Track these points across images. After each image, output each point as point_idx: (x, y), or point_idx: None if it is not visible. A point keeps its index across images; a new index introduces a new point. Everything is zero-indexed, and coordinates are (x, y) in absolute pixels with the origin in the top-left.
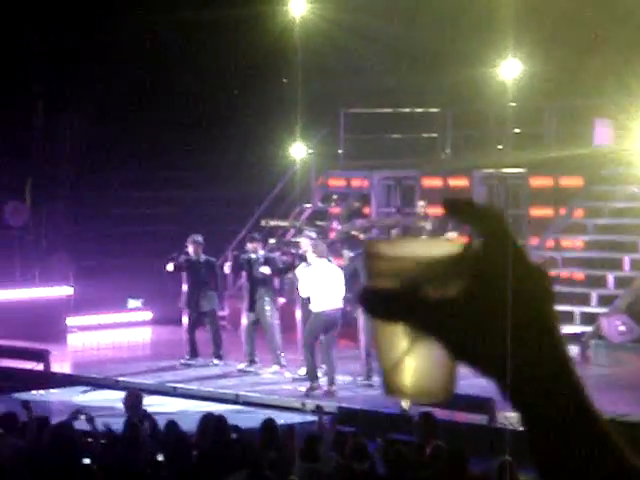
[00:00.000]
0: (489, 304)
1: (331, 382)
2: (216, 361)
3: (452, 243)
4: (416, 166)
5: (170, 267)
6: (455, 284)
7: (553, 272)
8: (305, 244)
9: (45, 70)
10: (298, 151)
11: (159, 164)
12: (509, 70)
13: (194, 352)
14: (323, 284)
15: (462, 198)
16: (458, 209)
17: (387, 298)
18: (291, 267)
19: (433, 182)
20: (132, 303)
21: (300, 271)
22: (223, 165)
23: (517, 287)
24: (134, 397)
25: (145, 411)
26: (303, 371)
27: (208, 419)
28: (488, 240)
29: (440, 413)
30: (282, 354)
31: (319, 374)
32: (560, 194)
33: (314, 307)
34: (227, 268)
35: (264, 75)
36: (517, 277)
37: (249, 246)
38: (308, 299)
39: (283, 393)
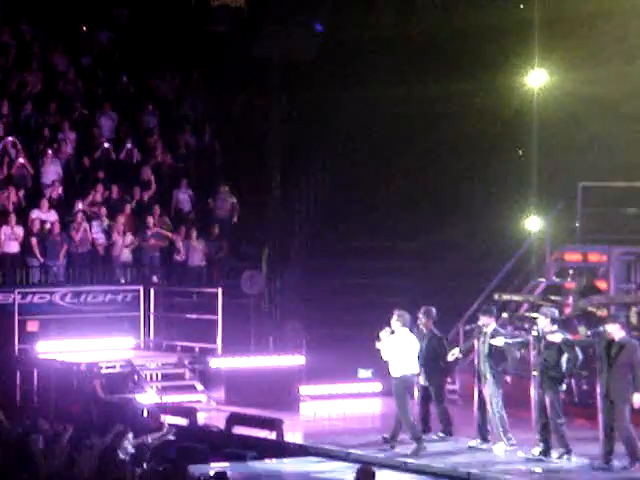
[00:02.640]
0: None
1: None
2: (441, 434)
3: None
4: None
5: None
6: None
7: None
8: (542, 320)
9: (282, 141)
10: (533, 225)
11: (392, 234)
12: None
13: (425, 427)
14: (403, 352)
15: None
16: None
17: None
18: (523, 343)
19: None
20: (362, 373)
21: (384, 338)
22: (456, 237)
23: None
24: (366, 474)
25: None
26: (537, 451)
27: None
28: None
29: None
30: (504, 431)
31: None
32: None
33: (394, 372)
34: (451, 356)
35: (500, 147)
36: None
37: (482, 319)
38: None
39: (515, 472)
